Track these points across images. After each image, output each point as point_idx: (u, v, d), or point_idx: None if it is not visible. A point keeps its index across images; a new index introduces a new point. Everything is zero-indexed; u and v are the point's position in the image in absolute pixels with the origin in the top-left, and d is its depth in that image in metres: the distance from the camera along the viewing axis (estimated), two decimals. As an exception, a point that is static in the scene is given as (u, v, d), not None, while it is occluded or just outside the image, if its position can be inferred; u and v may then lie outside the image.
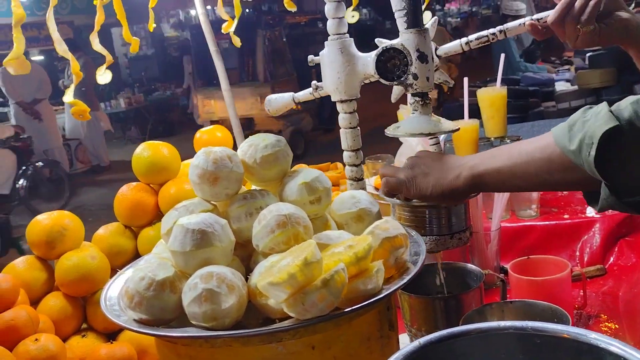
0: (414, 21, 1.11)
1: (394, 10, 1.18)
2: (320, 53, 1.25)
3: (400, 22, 1.15)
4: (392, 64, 1.13)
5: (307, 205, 1.00)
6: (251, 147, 1.05)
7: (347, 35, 1.23)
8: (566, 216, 1.72)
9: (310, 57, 1.28)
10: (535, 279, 1.31)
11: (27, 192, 7.45)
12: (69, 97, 1.32)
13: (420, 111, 1.15)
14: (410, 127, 1.14)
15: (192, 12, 17.76)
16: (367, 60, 1.19)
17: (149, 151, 1.50)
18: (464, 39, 1.27)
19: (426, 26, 1.15)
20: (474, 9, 22.76)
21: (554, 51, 7.17)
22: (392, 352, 0.71)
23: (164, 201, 1.48)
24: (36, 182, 7.74)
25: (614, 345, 0.67)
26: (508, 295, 1.32)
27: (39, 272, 1.38)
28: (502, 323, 0.76)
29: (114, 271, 1.40)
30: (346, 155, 1.28)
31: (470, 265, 1.30)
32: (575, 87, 5.33)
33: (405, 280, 0.90)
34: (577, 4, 1.16)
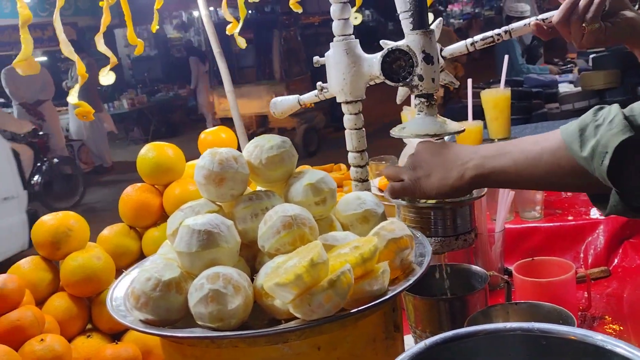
0: (420, 22, 1.11)
1: (399, 12, 1.18)
2: (326, 54, 1.25)
3: (406, 24, 1.15)
4: (397, 65, 1.13)
5: (312, 206, 1.00)
6: (257, 148, 1.05)
7: (353, 36, 1.23)
8: (570, 218, 1.72)
9: (316, 59, 1.28)
10: (539, 281, 1.30)
11: (42, 188, 7.46)
12: (73, 98, 1.32)
13: (426, 112, 1.15)
14: (416, 128, 1.14)
15: (195, 14, 17.81)
16: (373, 62, 1.19)
17: (154, 152, 1.50)
18: (469, 40, 1.27)
19: (431, 27, 1.15)
20: (476, 11, 22.76)
21: (557, 52, 7.17)
22: (398, 354, 0.72)
23: (169, 202, 1.49)
24: (51, 179, 7.77)
25: (621, 347, 0.67)
26: (512, 297, 1.32)
27: (45, 273, 1.38)
28: (509, 324, 0.76)
29: (118, 272, 1.40)
30: (351, 157, 1.28)
31: (474, 267, 1.30)
32: (579, 88, 5.32)
33: (410, 282, 0.90)
34: (582, 3, 1.15)
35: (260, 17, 11.81)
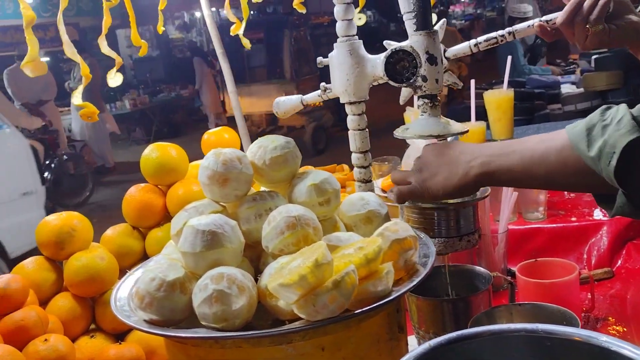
0: (423, 23, 1.11)
1: (402, 13, 1.18)
2: (329, 55, 1.25)
3: (409, 24, 1.15)
4: (401, 66, 1.13)
5: (316, 207, 1.00)
6: (260, 149, 1.05)
7: (356, 37, 1.23)
8: (573, 219, 1.72)
9: (319, 59, 1.28)
10: (543, 282, 1.30)
11: (51, 184, 7.47)
12: (77, 99, 1.33)
13: (429, 113, 1.15)
14: (419, 129, 1.14)
15: (197, 14, 17.82)
16: (376, 62, 1.19)
17: (158, 152, 1.50)
18: (472, 41, 1.27)
19: (435, 28, 1.15)
20: (478, 12, 22.75)
21: (559, 53, 7.16)
22: (401, 355, 0.72)
23: (172, 202, 1.49)
24: (60, 176, 7.78)
25: (626, 349, 0.67)
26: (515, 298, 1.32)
27: (48, 273, 1.38)
28: (513, 325, 0.76)
29: (122, 272, 1.40)
30: (354, 157, 1.28)
31: (478, 268, 1.30)
32: (581, 89, 5.30)
33: (415, 282, 0.90)
34: (586, 4, 1.16)
35: (271, 18, 12.04)
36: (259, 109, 9.39)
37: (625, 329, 1.34)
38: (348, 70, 1.22)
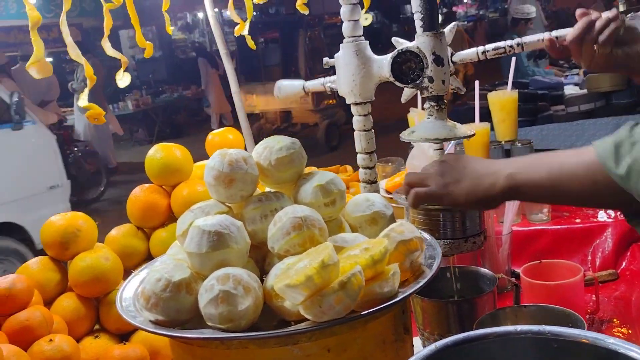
0: (430, 24, 1.11)
1: (414, 12, 1.18)
2: (336, 55, 1.25)
3: (417, 25, 1.15)
4: (407, 67, 1.13)
5: (321, 208, 1.00)
6: (266, 149, 1.05)
7: (362, 37, 1.23)
8: (578, 220, 1.72)
9: (325, 60, 1.28)
10: (547, 284, 1.30)
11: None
12: (83, 101, 1.32)
13: (436, 116, 1.15)
14: (426, 132, 1.14)
15: (200, 15, 17.84)
16: (383, 63, 1.19)
17: (162, 153, 1.50)
18: (480, 48, 1.26)
19: (445, 31, 1.15)
20: (481, 13, 22.72)
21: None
22: (407, 356, 0.72)
23: (177, 203, 1.49)
24: (76, 171, 7.79)
25: (633, 351, 0.67)
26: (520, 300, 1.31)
27: (53, 273, 1.38)
28: (519, 327, 0.76)
29: (126, 272, 1.40)
30: (360, 158, 1.28)
31: (483, 269, 1.30)
32: (585, 90, 5.28)
33: (421, 284, 0.90)
34: (598, 24, 1.15)
35: (286, 18, 12.31)
36: (274, 106, 9.48)
37: (630, 331, 1.34)
38: (354, 71, 1.22)
